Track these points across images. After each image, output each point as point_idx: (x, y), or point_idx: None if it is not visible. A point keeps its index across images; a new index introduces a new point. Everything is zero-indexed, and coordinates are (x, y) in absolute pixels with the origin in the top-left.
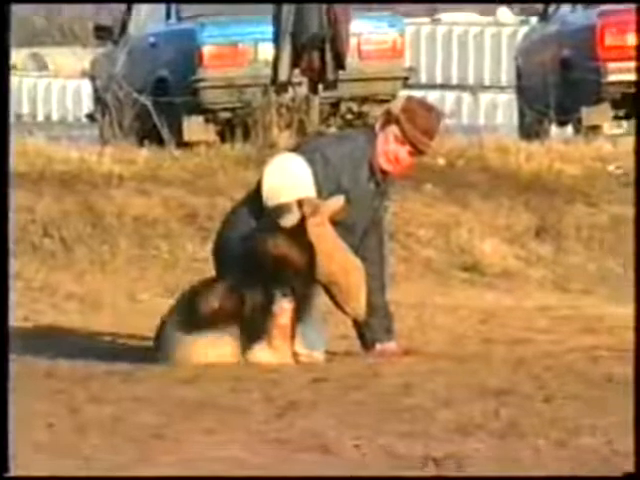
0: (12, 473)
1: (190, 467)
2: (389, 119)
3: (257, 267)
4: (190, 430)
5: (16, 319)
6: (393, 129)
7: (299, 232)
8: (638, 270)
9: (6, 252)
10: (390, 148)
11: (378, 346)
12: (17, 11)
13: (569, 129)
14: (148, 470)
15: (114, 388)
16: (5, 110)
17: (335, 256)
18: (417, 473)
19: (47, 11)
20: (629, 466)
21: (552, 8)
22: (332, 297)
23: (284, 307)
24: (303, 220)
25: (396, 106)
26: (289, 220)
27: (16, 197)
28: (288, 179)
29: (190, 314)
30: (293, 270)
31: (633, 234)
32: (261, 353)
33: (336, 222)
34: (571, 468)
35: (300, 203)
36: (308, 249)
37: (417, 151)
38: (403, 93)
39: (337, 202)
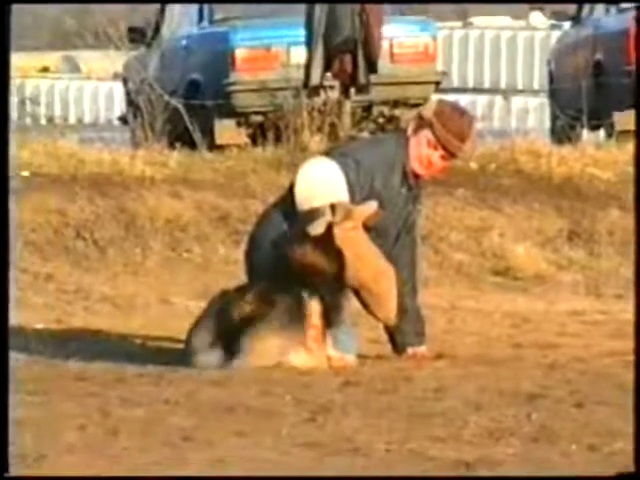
0: (12, 473)
1: (221, 468)
2: (422, 123)
3: (287, 272)
4: (221, 432)
5: (48, 321)
6: (426, 133)
7: (327, 239)
8: (638, 273)
9: (6, 251)
10: (423, 152)
11: (409, 350)
12: (47, 13)
13: (601, 133)
14: (178, 471)
15: (145, 390)
16: (5, 110)
17: (367, 261)
18: (448, 475)
19: (77, 12)
20: None
21: (585, 12)
22: (363, 302)
23: (313, 308)
24: (331, 227)
25: (428, 110)
26: (319, 226)
27: (48, 199)
28: (321, 184)
29: (221, 320)
30: (321, 277)
31: (634, 235)
32: (295, 356)
33: (368, 227)
34: (601, 472)
35: (333, 208)
36: (336, 256)
37: (450, 155)
38: (435, 97)
39: (370, 207)
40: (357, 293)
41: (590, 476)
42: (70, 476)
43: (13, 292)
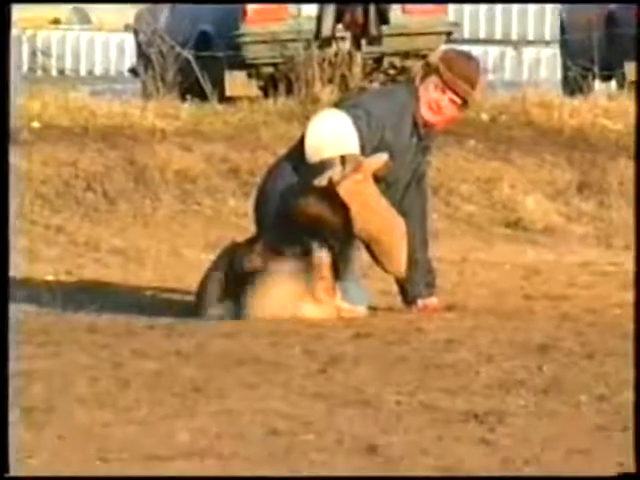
0: (11, 473)
1: (229, 419)
2: (428, 70)
3: (295, 224)
4: (231, 384)
5: (59, 273)
6: (433, 79)
7: (332, 191)
8: (638, 264)
9: (6, 249)
10: (432, 97)
11: (420, 302)
12: None
13: (613, 84)
14: (188, 422)
15: (156, 342)
16: (5, 109)
17: (376, 213)
18: (457, 430)
19: None
20: None
21: None
22: (372, 254)
23: (322, 259)
24: (331, 180)
25: (435, 56)
26: (324, 179)
27: (59, 151)
28: (332, 136)
29: (231, 272)
30: (327, 228)
31: (634, 231)
32: (306, 307)
33: (379, 178)
34: (610, 422)
35: (343, 160)
36: (342, 207)
37: (459, 98)
38: (444, 47)
39: (380, 159)
40: (367, 245)
41: (590, 476)
42: (71, 476)
43: (23, 244)
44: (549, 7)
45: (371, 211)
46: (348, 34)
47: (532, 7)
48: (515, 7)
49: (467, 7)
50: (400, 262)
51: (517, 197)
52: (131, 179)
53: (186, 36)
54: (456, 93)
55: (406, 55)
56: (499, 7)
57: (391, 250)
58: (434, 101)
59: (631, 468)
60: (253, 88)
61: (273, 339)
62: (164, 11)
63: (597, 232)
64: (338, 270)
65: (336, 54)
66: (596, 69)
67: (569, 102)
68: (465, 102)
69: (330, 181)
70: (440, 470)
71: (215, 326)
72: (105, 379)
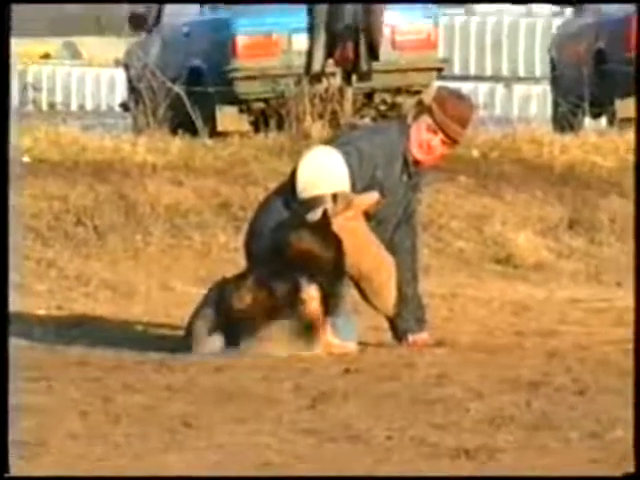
0: (12, 473)
1: (220, 453)
2: (421, 109)
3: (286, 259)
4: (221, 419)
5: (50, 307)
6: (425, 118)
7: (325, 226)
8: (637, 269)
9: (6, 249)
10: (423, 137)
11: (410, 337)
12: None
13: (603, 121)
14: (179, 456)
15: (146, 377)
16: (5, 109)
17: (366, 251)
18: (448, 465)
19: None
20: None
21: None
22: (362, 292)
23: (311, 294)
24: (327, 215)
25: (428, 96)
26: (318, 213)
27: (50, 186)
28: (323, 173)
29: (221, 308)
30: (317, 264)
31: (633, 233)
32: (294, 343)
33: (369, 215)
34: (602, 460)
35: (334, 197)
36: (334, 243)
37: (450, 139)
38: (437, 84)
39: (371, 197)
40: (356, 283)
41: (590, 476)
42: (71, 476)
43: (15, 278)
44: (539, 44)
45: (361, 249)
46: (339, 69)
47: (522, 44)
48: (505, 44)
49: (457, 43)
50: (389, 301)
51: (508, 233)
52: (122, 213)
53: (177, 71)
54: (447, 134)
55: (397, 91)
56: (489, 44)
57: (380, 289)
58: (425, 141)
59: None
60: (244, 123)
61: (263, 374)
62: (155, 46)
63: (588, 269)
64: (328, 306)
65: (327, 89)
66: (586, 106)
67: (559, 139)
68: (456, 142)
69: (324, 216)
70: None
71: (205, 361)
72: (96, 414)
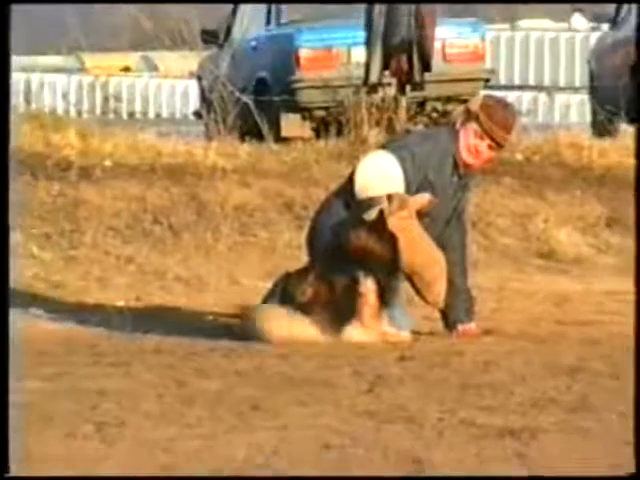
0: (14, 473)
1: (284, 434)
2: (469, 116)
3: (345, 255)
4: (285, 402)
5: (128, 299)
6: (473, 125)
7: (381, 225)
8: (638, 270)
9: (6, 248)
10: (471, 142)
11: (460, 327)
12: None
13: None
14: (247, 437)
15: (217, 363)
16: (6, 109)
17: (419, 249)
18: (494, 445)
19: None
20: None
21: (623, 14)
22: (414, 285)
23: (369, 287)
24: (384, 214)
25: (475, 104)
26: (374, 212)
27: (129, 188)
28: (379, 175)
29: (285, 300)
30: (374, 260)
31: (634, 233)
32: (354, 332)
33: (422, 214)
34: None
35: (389, 198)
36: (389, 241)
37: (496, 144)
38: (483, 93)
39: (423, 197)
40: (409, 277)
41: (591, 476)
42: (72, 476)
43: (97, 273)
44: (579, 56)
45: (414, 246)
46: (394, 80)
47: (563, 56)
48: (547, 56)
49: (503, 55)
50: (439, 295)
51: (550, 230)
52: (194, 213)
53: (245, 82)
54: (493, 139)
55: (447, 100)
56: (532, 55)
57: (431, 283)
58: (473, 146)
59: None
60: (306, 130)
61: (324, 361)
62: (225, 59)
63: (623, 263)
64: (384, 298)
65: (383, 99)
66: (622, 113)
67: (598, 143)
68: (501, 146)
69: (380, 215)
70: None
71: (271, 349)
72: (170, 397)
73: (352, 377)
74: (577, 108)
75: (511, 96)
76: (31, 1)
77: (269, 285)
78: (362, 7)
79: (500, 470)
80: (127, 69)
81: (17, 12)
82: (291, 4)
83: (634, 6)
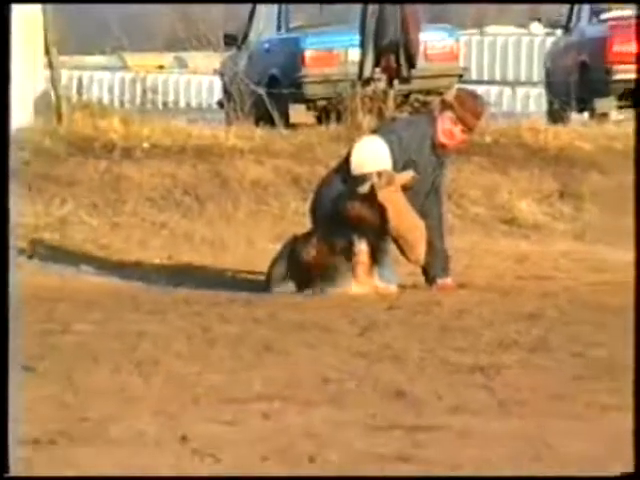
0: (11, 473)
1: (293, 371)
2: (445, 106)
3: (342, 222)
4: (294, 344)
5: (162, 258)
6: (448, 113)
7: (372, 197)
8: (638, 266)
9: (6, 248)
10: (447, 127)
11: (438, 281)
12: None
13: (585, 115)
14: (261, 373)
15: (236, 311)
16: (6, 109)
17: (403, 217)
18: (466, 378)
19: (186, 21)
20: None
21: (573, 22)
22: (399, 247)
23: (362, 248)
24: (374, 188)
25: (449, 96)
26: (366, 186)
27: (163, 166)
28: (371, 155)
29: (293, 259)
30: (366, 226)
31: (633, 231)
32: (350, 285)
33: (406, 188)
34: (586, 376)
35: (379, 174)
36: (379, 210)
37: (467, 129)
38: (457, 86)
39: (407, 175)
40: (396, 240)
41: (591, 476)
42: (73, 476)
43: (137, 236)
44: (537, 56)
45: (400, 215)
46: (384, 76)
47: (524, 56)
48: (511, 56)
49: (474, 55)
50: (421, 255)
51: (513, 201)
52: (217, 186)
53: (259, 78)
54: (465, 125)
55: (427, 92)
56: (498, 56)
57: (414, 245)
58: (448, 130)
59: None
60: (310, 117)
61: (325, 309)
62: (243, 58)
63: (574, 229)
64: (375, 257)
65: (374, 91)
66: (573, 104)
67: (553, 128)
68: (472, 130)
69: (372, 188)
70: (451, 410)
71: (281, 299)
72: (197, 339)
73: (348, 323)
74: (535, 99)
75: (480, 89)
76: (31, 1)
77: (279, 246)
78: (357, 12)
79: (470, 400)
80: (162, 67)
81: (65, 18)
82: (296, 4)
83: (583, 14)
